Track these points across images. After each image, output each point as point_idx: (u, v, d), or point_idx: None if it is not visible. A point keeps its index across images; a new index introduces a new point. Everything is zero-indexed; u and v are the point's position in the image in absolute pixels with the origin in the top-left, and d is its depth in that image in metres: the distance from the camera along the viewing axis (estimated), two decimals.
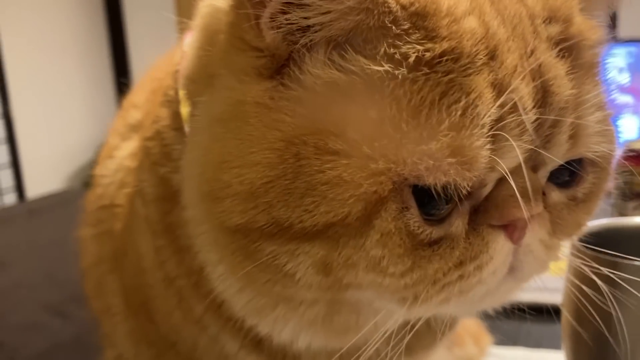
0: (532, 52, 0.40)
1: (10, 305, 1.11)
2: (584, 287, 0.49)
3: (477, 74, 0.37)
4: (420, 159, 0.37)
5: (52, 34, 2.65)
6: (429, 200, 0.39)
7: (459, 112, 0.37)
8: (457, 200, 0.39)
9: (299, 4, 0.38)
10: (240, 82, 0.41)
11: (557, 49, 0.41)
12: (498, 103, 0.37)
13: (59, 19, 2.69)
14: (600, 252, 0.50)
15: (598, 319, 0.49)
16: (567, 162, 0.44)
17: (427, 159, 0.37)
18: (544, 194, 0.43)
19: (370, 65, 0.38)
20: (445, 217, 0.40)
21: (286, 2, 0.38)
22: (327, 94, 0.39)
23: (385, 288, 0.41)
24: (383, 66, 0.37)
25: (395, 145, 0.37)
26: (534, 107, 0.39)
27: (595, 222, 0.56)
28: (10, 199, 2.41)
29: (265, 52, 0.40)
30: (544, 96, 0.39)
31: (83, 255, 0.66)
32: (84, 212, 0.66)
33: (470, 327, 0.81)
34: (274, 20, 0.38)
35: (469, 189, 0.38)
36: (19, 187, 2.46)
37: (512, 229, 0.41)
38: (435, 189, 0.38)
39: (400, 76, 0.37)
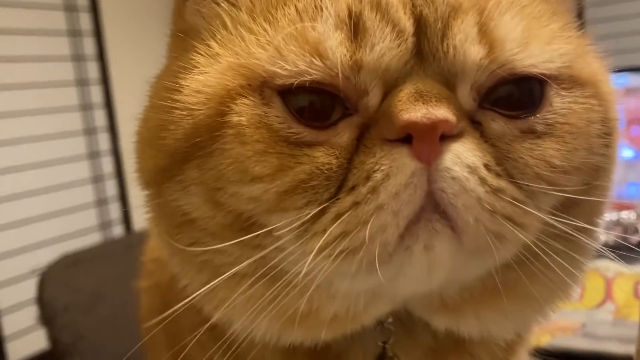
0: None
1: (109, 335, 1.20)
2: None
3: None
4: (264, 49, 0.38)
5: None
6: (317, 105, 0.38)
7: (301, 3, 0.39)
8: (344, 109, 0.38)
9: None
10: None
11: None
12: None
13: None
14: None
15: None
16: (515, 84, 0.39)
17: (273, 49, 0.38)
18: (480, 123, 0.39)
19: None
20: (331, 125, 0.39)
21: None
22: None
23: (265, 203, 0.39)
24: None
25: (245, 42, 0.40)
26: None
27: None
28: (118, 230, 2.56)
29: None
30: None
31: (140, 306, 0.69)
32: (141, 263, 0.70)
33: None
34: None
35: (330, 87, 0.38)
36: (127, 220, 2.59)
37: (419, 146, 0.36)
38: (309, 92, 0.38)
39: None
